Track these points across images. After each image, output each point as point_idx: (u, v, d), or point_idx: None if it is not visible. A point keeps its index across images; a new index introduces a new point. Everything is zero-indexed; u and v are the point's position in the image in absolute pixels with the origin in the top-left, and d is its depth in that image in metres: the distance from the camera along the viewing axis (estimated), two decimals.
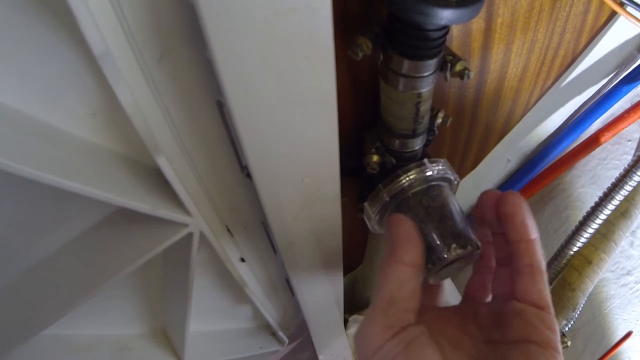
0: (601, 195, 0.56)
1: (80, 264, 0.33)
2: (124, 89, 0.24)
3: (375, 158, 0.45)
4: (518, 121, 0.68)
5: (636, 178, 0.54)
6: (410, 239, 0.34)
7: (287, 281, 0.64)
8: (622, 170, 0.55)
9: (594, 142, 0.76)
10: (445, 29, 0.35)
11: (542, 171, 0.79)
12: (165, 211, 0.30)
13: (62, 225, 0.32)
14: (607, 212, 0.56)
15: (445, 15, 0.31)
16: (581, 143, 0.77)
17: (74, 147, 0.27)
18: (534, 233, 0.34)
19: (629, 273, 0.74)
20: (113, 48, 0.24)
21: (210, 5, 0.22)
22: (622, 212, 0.56)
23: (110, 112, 0.27)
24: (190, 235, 0.34)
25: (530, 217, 0.34)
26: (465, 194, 0.77)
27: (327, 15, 0.25)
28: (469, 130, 0.62)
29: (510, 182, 0.81)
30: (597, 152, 0.79)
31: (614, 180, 0.55)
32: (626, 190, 0.55)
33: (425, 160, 0.39)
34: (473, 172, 0.73)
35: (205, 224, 0.35)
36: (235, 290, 0.57)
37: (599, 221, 0.56)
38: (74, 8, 0.19)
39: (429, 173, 0.39)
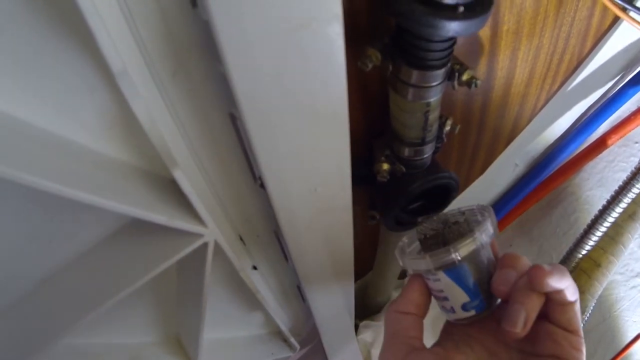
0: (609, 198, 0.56)
1: (97, 274, 0.33)
2: (140, 103, 0.24)
3: (385, 166, 0.45)
4: (525, 126, 0.68)
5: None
6: (412, 296, 0.39)
7: (299, 288, 0.64)
8: (629, 173, 0.55)
9: (601, 144, 0.75)
10: (452, 40, 0.35)
11: (550, 175, 0.79)
12: (181, 222, 0.30)
13: (78, 236, 0.33)
14: (615, 214, 0.55)
15: (452, 27, 0.31)
16: (588, 146, 0.76)
17: (91, 160, 0.27)
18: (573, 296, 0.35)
19: (638, 275, 0.74)
20: (129, 64, 0.24)
21: (224, 22, 0.22)
22: (630, 215, 0.56)
23: (126, 125, 0.28)
24: (205, 245, 0.34)
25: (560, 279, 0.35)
26: (473, 198, 0.77)
27: (339, 29, 0.26)
28: (476, 136, 0.62)
29: (518, 186, 0.80)
30: (605, 155, 0.78)
31: (621, 183, 0.55)
32: (634, 193, 0.54)
33: (476, 230, 0.37)
34: (481, 177, 0.73)
35: (220, 234, 0.35)
36: (248, 297, 0.57)
37: (607, 224, 0.55)
38: (93, 28, 0.19)
39: (479, 244, 0.37)
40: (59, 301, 0.33)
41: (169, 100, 0.28)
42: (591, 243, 0.57)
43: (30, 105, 0.24)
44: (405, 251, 0.41)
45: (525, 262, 0.37)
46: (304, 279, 0.51)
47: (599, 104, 0.75)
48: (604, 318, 0.76)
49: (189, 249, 0.33)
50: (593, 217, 0.58)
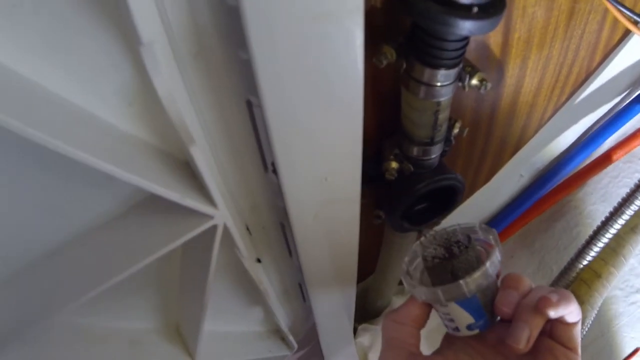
0: (612, 210, 0.56)
1: (105, 249, 0.34)
2: (161, 80, 0.25)
3: (393, 164, 0.46)
4: (532, 136, 0.68)
5: None
6: (412, 310, 0.41)
7: (300, 286, 0.64)
8: (632, 186, 0.55)
9: (606, 160, 0.76)
10: (466, 40, 0.36)
11: (554, 188, 0.79)
12: (193, 201, 0.31)
13: (90, 211, 0.34)
14: (617, 226, 0.56)
15: (466, 26, 0.32)
16: (593, 161, 0.77)
17: (112, 134, 0.28)
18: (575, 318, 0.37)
19: (638, 291, 0.74)
20: (154, 42, 0.25)
21: (253, 9, 0.23)
22: (632, 228, 0.56)
23: (146, 103, 0.28)
24: (214, 228, 0.35)
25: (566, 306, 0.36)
26: (478, 206, 0.77)
27: (359, 20, 0.27)
28: (484, 143, 0.63)
29: (522, 197, 0.81)
30: (609, 170, 0.79)
31: (624, 195, 0.56)
32: (636, 206, 0.55)
33: (487, 262, 0.37)
34: (486, 185, 0.73)
35: (230, 218, 0.36)
36: (249, 291, 0.57)
37: (609, 235, 0.56)
38: None
39: (490, 276, 0.37)
40: (65, 274, 0.34)
41: (188, 81, 0.29)
42: (592, 254, 0.58)
43: (57, 77, 0.25)
44: (411, 274, 0.41)
45: (527, 282, 0.39)
46: (307, 274, 0.51)
47: (605, 119, 0.76)
48: (603, 333, 0.76)
49: (198, 230, 0.33)
50: (595, 229, 0.58)
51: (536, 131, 0.68)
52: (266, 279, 0.54)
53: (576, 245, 0.67)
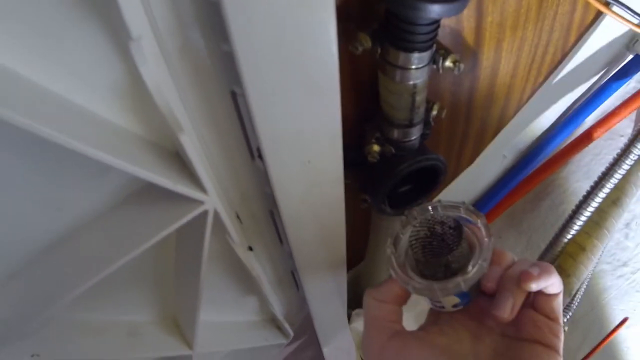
0: (592, 184, 0.60)
1: (101, 240, 0.36)
2: (149, 73, 0.28)
3: (375, 147, 0.49)
4: (512, 117, 0.71)
5: (625, 167, 0.57)
6: (393, 288, 0.42)
7: (293, 274, 0.67)
8: (612, 160, 0.59)
9: (587, 138, 0.79)
10: (436, 23, 0.39)
11: (537, 167, 0.83)
12: (184, 187, 0.34)
13: (85, 205, 0.36)
14: (598, 200, 0.59)
15: (434, 9, 0.35)
16: (575, 139, 0.81)
17: (105, 127, 0.30)
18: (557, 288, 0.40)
19: (624, 264, 0.78)
20: (142, 37, 0.28)
21: (233, 3, 0.26)
22: (614, 200, 0.60)
23: (136, 96, 0.31)
24: (205, 213, 0.37)
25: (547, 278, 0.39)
26: (463, 189, 0.80)
27: (331, 9, 0.30)
28: (464, 126, 0.66)
29: (506, 178, 0.84)
30: (591, 148, 0.82)
31: (604, 170, 0.59)
32: (616, 179, 0.58)
33: (480, 259, 0.39)
34: (470, 168, 0.76)
35: (220, 204, 0.38)
36: (243, 280, 0.60)
37: (591, 209, 0.59)
38: None
39: (485, 268, 0.39)
40: (63, 266, 0.36)
41: (175, 74, 0.32)
42: (576, 228, 0.61)
43: (49, 72, 0.28)
44: (399, 263, 0.42)
45: (509, 256, 0.42)
46: (298, 260, 0.54)
47: (584, 98, 0.79)
48: (592, 307, 0.80)
49: (190, 216, 0.36)
50: (577, 203, 0.61)
51: (516, 112, 0.71)
52: (259, 266, 0.56)
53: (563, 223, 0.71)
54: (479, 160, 0.76)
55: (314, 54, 0.32)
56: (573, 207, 0.71)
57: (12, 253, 0.35)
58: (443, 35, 0.50)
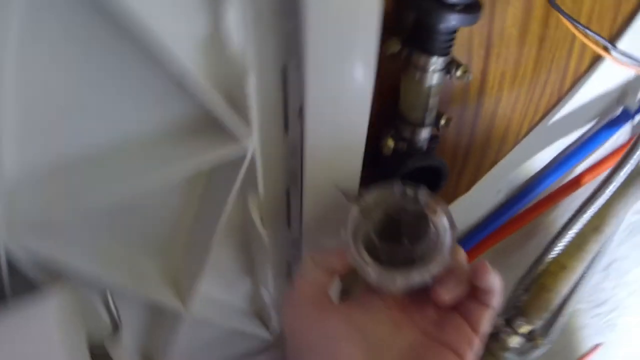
0: (575, 211, 0.72)
1: (140, 159, 0.45)
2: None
3: (390, 142, 0.60)
4: (509, 150, 0.84)
5: (605, 197, 0.70)
6: (333, 259, 0.47)
7: (289, 266, 0.76)
8: (596, 187, 0.71)
9: (576, 183, 0.92)
10: (454, 33, 0.51)
11: (527, 208, 0.95)
12: (235, 123, 0.44)
13: (138, 124, 0.44)
14: (579, 226, 0.71)
15: (453, 18, 0.47)
16: (564, 184, 0.93)
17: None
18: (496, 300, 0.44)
19: (601, 305, 0.88)
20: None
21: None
22: (595, 227, 0.71)
23: (214, 41, 0.42)
24: (244, 153, 0.47)
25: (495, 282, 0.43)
26: (456, 217, 0.91)
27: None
28: (465, 150, 0.77)
29: (497, 213, 0.96)
30: (580, 193, 0.94)
31: (587, 196, 0.72)
32: (596, 208, 0.71)
33: (445, 250, 0.43)
34: (465, 195, 0.88)
35: (259, 149, 0.49)
36: (245, 259, 0.69)
37: (573, 232, 0.71)
38: None
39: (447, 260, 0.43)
40: (98, 176, 0.43)
41: (249, 38, 0.43)
42: (558, 249, 0.73)
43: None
44: (357, 247, 0.45)
45: (463, 252, 0.46)
46: (306, 244, 0.63)
47: (576, 144, 0.92)
48: (568, 343, 0.89)
49: (232, 153, 0.46)
50: (560, 229, 0.73)
51: (513, 146, 0.84)
52: (265, 241, 0.65)
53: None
54: (474, 189, 0.87)
55: (360, 41, 0.44)
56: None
57: (58, 149, 0.42)
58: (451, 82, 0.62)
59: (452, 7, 0.47)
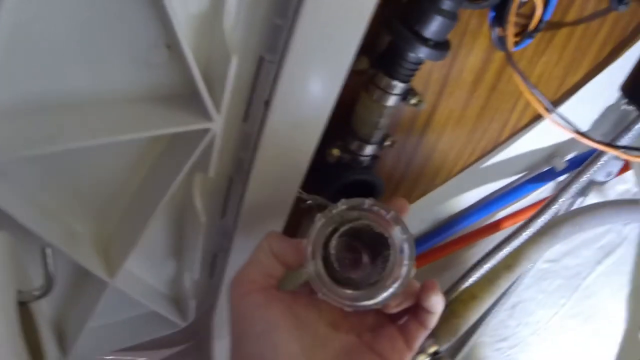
0: (491, 248, 0.80)
1: (111, 112, 0.46)
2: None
3: (336, 151, 0.65)
4: (440, 184, 0.91)
5: (522, 238, 0.78)
6: (292, 250, 0.47)
7: (214, 258, 0.79)
8: (514, 230, 0.79)
9: (495, 226, 1.01)
10: (419, 64, 0.57)
11: (446, 241, 1.03)
12: (209, 101, 0.47)
13: (120, 84, 0.46)
14: (493, 262, 0.79)
15: (423, 51, 0.53)
16: (485, 225, 1.02)
17: None
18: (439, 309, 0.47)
19: (503, 340, 0.97)
20: None
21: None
22: (508, 265, 0.79)
23: (209, 19, 0.45)
24: (206, 132, 0.48)
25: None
26: None
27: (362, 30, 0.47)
28: (400, 176, 0.84)
29: (417, 242, 1.03)
30: (497, 236, 1.03)
31: (504, 237, 0.79)
32: (510, 248, 0.79)
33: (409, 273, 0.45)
34: None
35: (221, 133, 0.51)
36: (175, 241, 0.71)
37: (487, 266, 0.79)
38: None
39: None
40: (68, 120, 0.44)
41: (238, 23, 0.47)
42: (471, 280, 0.80)
43: None
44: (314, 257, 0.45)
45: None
46: (240, 234, 0.67)
47: (502, 191, 1.01)
48: None
49: (195, 127, 0.48)
50: (475, 262, 0.81)
51: (445, 181, 0.91)
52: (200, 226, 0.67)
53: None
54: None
55: (338, 54, 0.49)
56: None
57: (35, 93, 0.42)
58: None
59: (425, 41, 0.53)
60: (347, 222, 0.45)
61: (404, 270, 0.44)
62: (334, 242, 0.45)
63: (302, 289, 0.49)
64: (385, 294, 0.44)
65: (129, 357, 0.96)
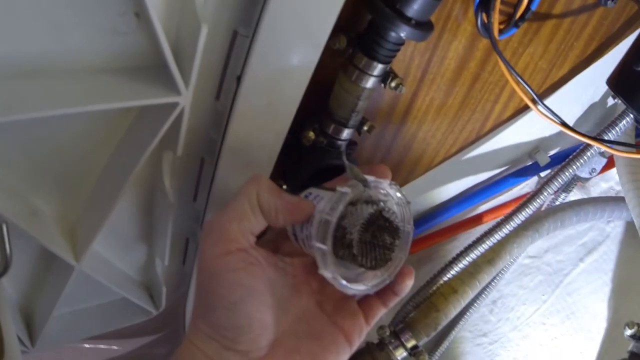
0: (473, 241, 0.79)
1: (80, 82, 0.45)
2: None
3: (311, 134, 0.64)
4: (420, 174, 0.90)
5: (503, 233, 0.78)
6: (290, 210, 0.45)
7: (187, 242, 0.77)
8: (495, 223, 0.78)
9: (477, 220, 1.00)
10: (400, 45, 0.56)
11: (426, 234, 1.02)
12: (176, 74, 0.45)
13: (85, 52, 0.44)
14: (475, 255, 0.78)
15: (405, 29, 0.52)
16: (466, 218, 1.01)
17: None
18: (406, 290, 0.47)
19: (484, 335, 0.97)
20: None
21: None
22: (489, 260, 0.79)
23: None
24: (175, 106, 0.47)
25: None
26: None
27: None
28: (380, 162, 0.83)
29: None
30: (479, 230, 1.02)
31: (486, 230, 0.79)
32: (492, 242, 0.78)
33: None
34: None
35: (188, 109, 0.50)
36: (145, 222, 0.70)
37: (468, 260, 0.78)
38: None
39: None
40: (33, 90, 0.43)
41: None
42: (452, 273, 0.80)
43: None
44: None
45: None
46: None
47: (484, 184, 1.01)
48: None
49: (162, 100, 0.46)
50: (456, 254, 0.80)
51: (425, 171, 0.90)
52: (170, 207, 0.66)
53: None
54: None
55: (314, 29, 0.48)
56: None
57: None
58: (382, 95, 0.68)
59: (407, 20, 0.51)
60: (373, 203, 0.44)
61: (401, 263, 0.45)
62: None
63: (266, 245, 0.48)
64: (377, 281, 0.45)
65: (101, 345, 0.95)
